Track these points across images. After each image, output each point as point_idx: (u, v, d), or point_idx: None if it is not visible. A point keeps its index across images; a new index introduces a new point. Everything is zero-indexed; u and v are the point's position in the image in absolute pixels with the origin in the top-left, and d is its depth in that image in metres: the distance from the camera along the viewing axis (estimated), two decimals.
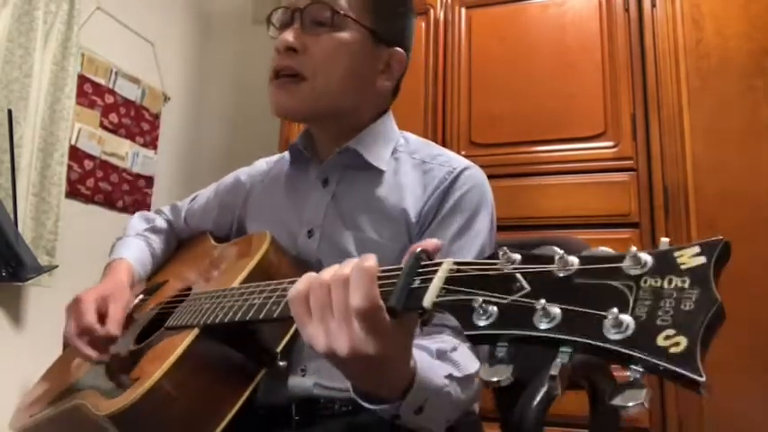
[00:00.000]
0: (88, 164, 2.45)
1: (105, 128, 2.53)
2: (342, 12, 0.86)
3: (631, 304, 0.37)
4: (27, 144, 2.12)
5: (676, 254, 0.37)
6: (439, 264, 0.49)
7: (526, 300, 0.41)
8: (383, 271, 0.53)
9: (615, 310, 0.36)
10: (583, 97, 2.06)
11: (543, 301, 0.40)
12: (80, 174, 2.41)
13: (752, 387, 1.71)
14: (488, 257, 0.46)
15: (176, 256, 1.13)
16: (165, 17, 2.95)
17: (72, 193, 2.36)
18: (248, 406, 0.71)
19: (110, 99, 2.56)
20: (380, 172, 0.91)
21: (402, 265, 0.52)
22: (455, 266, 0.47)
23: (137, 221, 1.14)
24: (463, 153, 2.02)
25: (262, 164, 1.10)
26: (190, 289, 0.89)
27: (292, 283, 0.61)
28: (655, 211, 1.90)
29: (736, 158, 1.85)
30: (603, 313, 0.37)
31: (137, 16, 2.72)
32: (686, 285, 0.36)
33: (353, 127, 0.92)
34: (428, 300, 0.46)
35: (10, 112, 2.03)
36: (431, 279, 0.48)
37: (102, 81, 2.52)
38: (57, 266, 2.10)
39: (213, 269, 0.92)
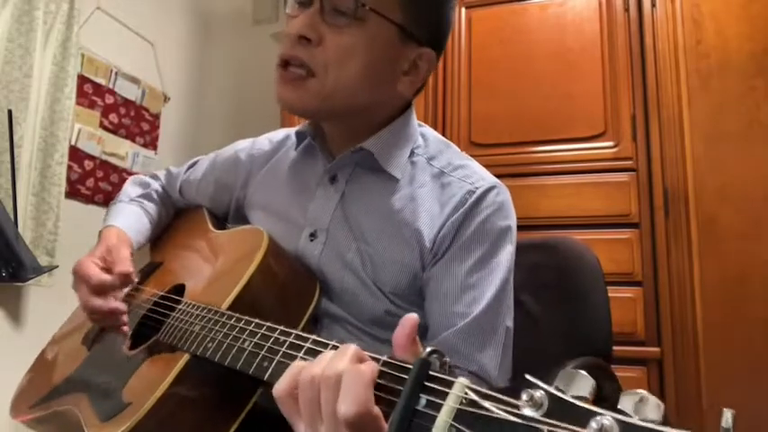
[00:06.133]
0: (88, 164, 2.45)
1: (105, 128, 2.53)
2: (367, 5, 0.75)
3: None
4: (27, 144, 2.12)
5: None
6: (449, 384, 0.41)
7: None
8: (384, 364, 0.46)
9: None
10: (583, 97, 2.06)
11: None
12: (80, 174, 2.41)
13: (752, 386, 1.71)
14: (507, 389, 0.39)
15: (173, 231, 1.08)
16: (165, 17, 2.95)
17: (72, 193, 2.36)
18: (252, 414, 0.69)
19: (110, 99, 2.56)
20: (395, 179, 0.83)
21: (404, 363, 0.45)
22: (468, 393, 0.40)
23: (131, 187, 1.08)
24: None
25: (264, 142, 1.02)
26: (183, 287, 0.86)
27: (285, 334, 0.58)
28: (655, 212, 1.90)
29: (736, 159, 1.85)
30: None
31: (137, 16, 2.72)
32: None
33: (367, 125, 0.85)
34: None
35: (10, 112, 2.03)
36: (439, 406, 0.40)
37: (102, 81, 2.52)
38: (57, 266, 2.10)
39: (207, 268, 0.89)
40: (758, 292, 1.75)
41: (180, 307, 0.78)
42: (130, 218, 1.01)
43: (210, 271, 0.87)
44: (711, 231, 1.83)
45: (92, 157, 2.46)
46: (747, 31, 1.91)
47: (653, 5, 2.03)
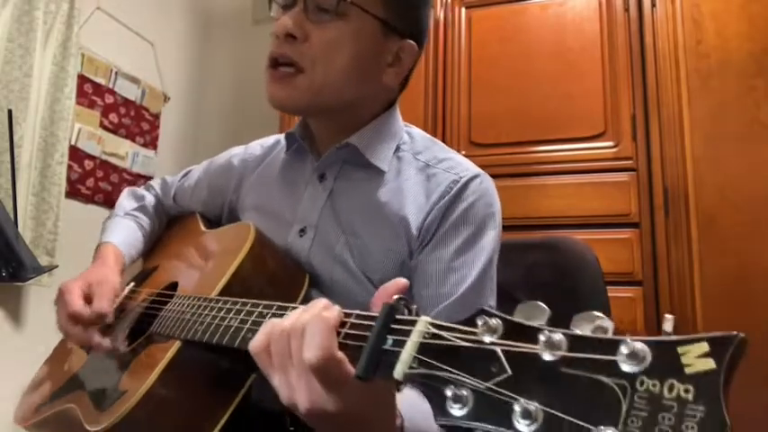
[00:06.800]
0: (88, 164, 2.45)
1: (105, 128, 2.53)
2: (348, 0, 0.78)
3: (623, 415, 0.31)
4: (27, 144, 2.12)
5: (680, 349, 0.32)
6: (413, 322, 0.44)
7: (506, 392, 0.36)
8: (356, 317, 0.48)
9: (602, 427, 0.32)
10: (583, 97, 2.06)
11: (524, 400, 0.35)
12: (80, 174, 2.41)
13: (752, 388, 1.71)
14: (467, 320, 0.41)
15: (167, 237, 1.11)
16: (165, 17, 2.95)
17: (72, 193, 2.36)
18: (242, 412, 0.70)
19: (110, 99, 2.56)
20: (381, 172, 0.86)
21: (374, 313, 0.47)
22: (430, 329, 0.42)
23: (126, 200, 1.11)
24: (463, 153, 2.02)
25: (256, 147, 1.05)
26: (176, 284, 0.88)
27: (268, 307, 0.60)
28: (655, 212, 1.90)
29: (735, 159, 1.85)
30: (591, 427, 0.32)
31: (137, 16, 2.72)
32: (690, 397, 0.30)
33: (355, 122, 0.87)
34: (399, 371, 0.42)
35: (10, 112, 2.03)
36: (403, 342, 0.43)
37: (102, 81, 2.52)
38: (57, 266, 2.10)
39: (198, 264, 0.91)
40: (758, 292, 1.75)
41: (172, 300, 0.80)
42: (124, 233, 1.03)
43: (201, 267, 0.89)
44: (711, 231, 1.82)
45: (92, 157, 2.46)
46: (747, 31, 1.91)
47: (653, 5, 2.03)
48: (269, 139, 1.05)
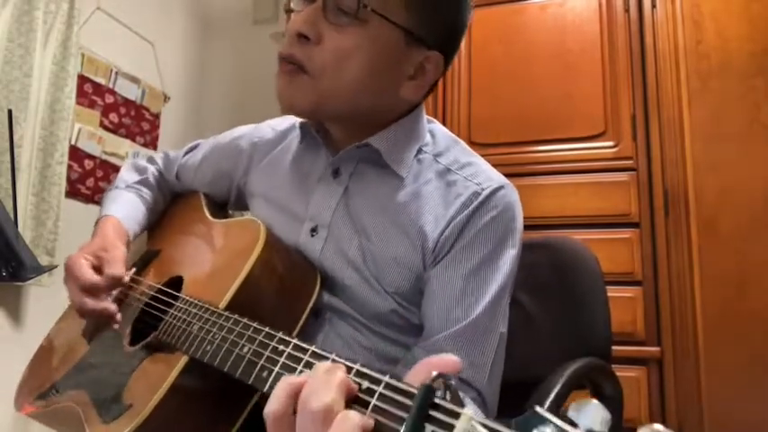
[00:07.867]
0: (88, 164, 2.45)
1: (105, 128, 2.53)
2: (369, 6, 0.72)
3: None
4: (27, 144, 2.12)
5: None
6: (456, 415, 0.38)
7: None
8: (387, 387, 0.44)
9: None
10: (583, 97, 2.06)
11: None
12: (80, 174, 2.41)
13: (753, 388, 1.71)
14: (516, 419, 0.37)
15: (170, 216, 1.07)
16: (165, 17, 2.95)
17: (72, 193, 2.36)
18: (251, 425, 0.68)
19: (110, 99, 2.56)
20: (400, 176, 0.81)
21: (413, 389, 0.42)
22: (474, 427, 0.37)
23: (127, 172, 1.07)
24: None
25: (267, 130, 0.99)
26: (180, 279, 0.85)
27: (282, 342, 0.57)
28: (655, 212, 1.90)
29: (736, 159, 1.85)
30: None
31: (137, 16, 2.72)
32: None
33: (373, 125, 0.81)
34: None
35: (10, 112, 2.03)
36: None
37: (102, 81, 2.52)
38: (57, 266, 2.10)
39: (205, 260, 0.88)
40: (758, 292, 1.75)
41: (177, 304, 0.77)
42: (127, 206, 0.99)
43: (208, 263, 0.86)
44: (711, 231, 1.83)
45: (92, 157, 2.46)
46: (747, 32, 1.91)
47: (653, 6, 2.03)
48: (282, 122, 0.99)
